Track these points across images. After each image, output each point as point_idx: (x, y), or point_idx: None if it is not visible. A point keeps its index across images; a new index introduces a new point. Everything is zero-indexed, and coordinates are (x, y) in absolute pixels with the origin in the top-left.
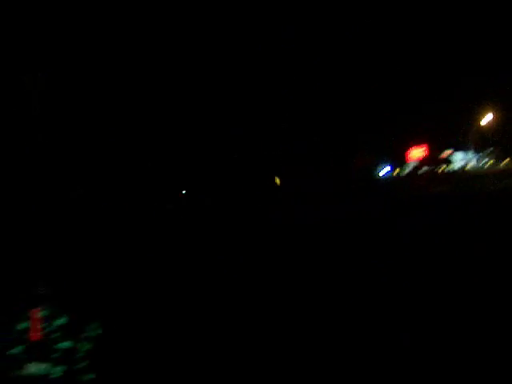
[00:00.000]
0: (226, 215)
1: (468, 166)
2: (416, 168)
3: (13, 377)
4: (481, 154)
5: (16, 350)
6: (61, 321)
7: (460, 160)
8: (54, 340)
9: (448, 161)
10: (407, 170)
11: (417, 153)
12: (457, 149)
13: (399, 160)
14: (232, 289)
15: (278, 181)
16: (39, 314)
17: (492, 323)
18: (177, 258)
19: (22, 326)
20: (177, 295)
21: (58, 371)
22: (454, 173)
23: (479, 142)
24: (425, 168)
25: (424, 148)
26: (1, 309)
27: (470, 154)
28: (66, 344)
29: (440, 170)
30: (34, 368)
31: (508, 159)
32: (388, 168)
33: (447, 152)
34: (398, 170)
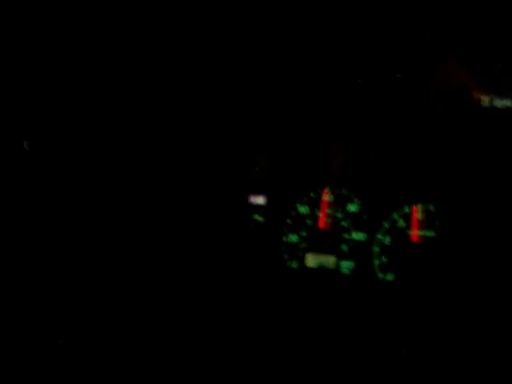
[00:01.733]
0: None
1: None
2: None
3: (290, 268)
4: None
5: (294, 238)
6: (353, 207)
7: None
8: (343, 229)
9: None
10: None
11: None
12: None
13: None
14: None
15: None
16: (328, 197)
17: None
18: None
19: (303, 210)
20: None
21: (346, 266)
22: None
23: None
24: None
25: None
26: (280, 191)
27: None
28: (358, 235)
29: None
30: (316, 260)
31: None
32: None
33: None
34: None
